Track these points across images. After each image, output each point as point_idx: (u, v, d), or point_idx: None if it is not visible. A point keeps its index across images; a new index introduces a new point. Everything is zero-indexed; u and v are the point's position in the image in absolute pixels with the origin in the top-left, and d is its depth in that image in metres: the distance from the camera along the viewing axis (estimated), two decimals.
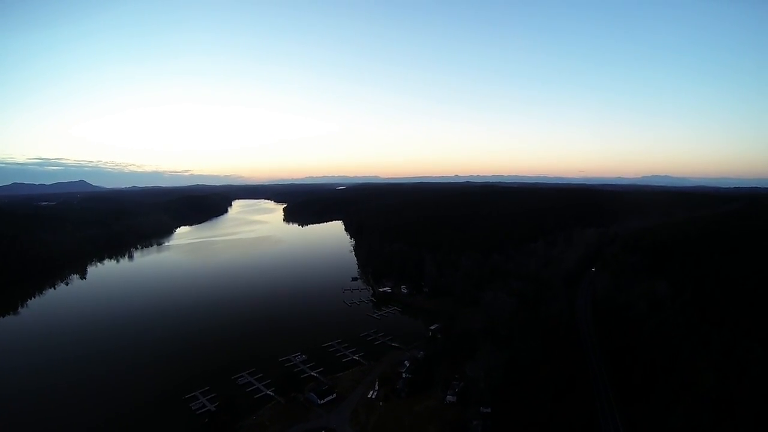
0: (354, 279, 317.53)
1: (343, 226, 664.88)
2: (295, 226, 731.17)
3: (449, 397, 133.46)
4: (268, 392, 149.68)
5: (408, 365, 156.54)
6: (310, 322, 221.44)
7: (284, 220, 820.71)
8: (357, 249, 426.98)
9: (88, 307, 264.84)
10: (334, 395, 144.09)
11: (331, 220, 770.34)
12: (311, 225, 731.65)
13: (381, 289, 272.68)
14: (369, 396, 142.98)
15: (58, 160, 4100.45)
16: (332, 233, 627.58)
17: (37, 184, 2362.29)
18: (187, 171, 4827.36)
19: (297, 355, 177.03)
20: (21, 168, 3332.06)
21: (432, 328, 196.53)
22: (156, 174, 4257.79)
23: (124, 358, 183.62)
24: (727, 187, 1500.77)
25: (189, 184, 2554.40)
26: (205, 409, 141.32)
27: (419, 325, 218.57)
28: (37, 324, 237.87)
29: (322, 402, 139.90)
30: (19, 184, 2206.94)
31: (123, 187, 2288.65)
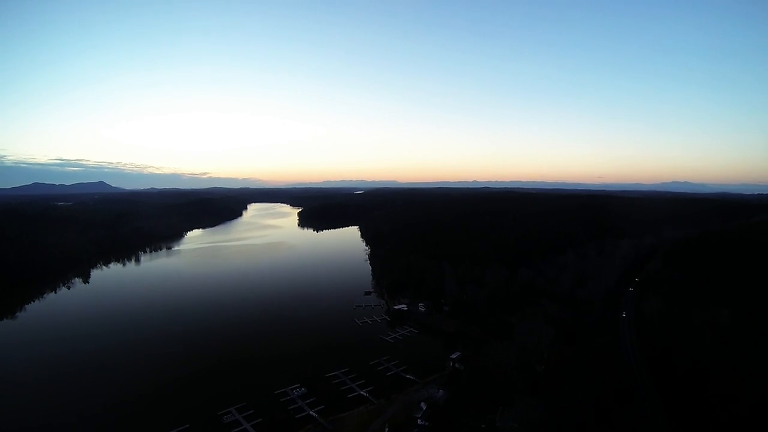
0: (367, 293, 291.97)
1: (360, 233, 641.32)
2: (310, 231, 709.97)
3: None
4: None
5: (425, 409, 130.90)
6: (316, 344, 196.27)
7: (299, 225, 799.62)
8: (372, 258, 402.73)
9: (70, 316, 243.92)
10: None
11: (347, 226, 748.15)
12: (326, 231, 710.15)
13: (396, 307, 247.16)
14: None
15: (78, 161, 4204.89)
16: (347, 240, 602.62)
17: (57, 184, 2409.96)
18: (205, 173, 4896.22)
19: (296, 388, 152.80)
20: (42, 168, 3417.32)
21: (453, 357, 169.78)
22: (175, 176, 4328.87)
23: (96, 378, 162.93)
24: (750, 193, 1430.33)
25: (207, 187, 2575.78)
26: None
27: (438, 350, 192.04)
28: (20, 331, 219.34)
29: None
30: (39, 183, 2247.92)
31: (142, 188, 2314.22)
